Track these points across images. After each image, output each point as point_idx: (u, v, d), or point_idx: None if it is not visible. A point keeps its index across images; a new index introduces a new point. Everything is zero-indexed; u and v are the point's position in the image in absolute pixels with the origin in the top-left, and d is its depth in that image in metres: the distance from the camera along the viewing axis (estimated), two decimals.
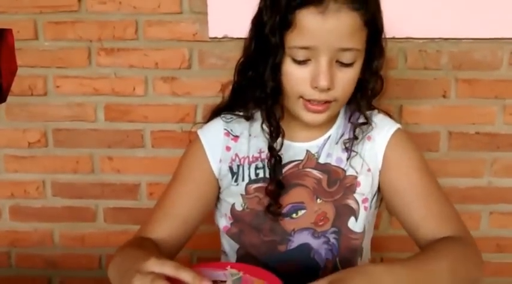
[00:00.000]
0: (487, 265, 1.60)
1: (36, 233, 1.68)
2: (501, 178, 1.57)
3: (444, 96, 1.50)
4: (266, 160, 1.04)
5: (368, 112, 1.07)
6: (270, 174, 1.02)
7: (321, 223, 1.01)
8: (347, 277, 0.74)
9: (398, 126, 1.07)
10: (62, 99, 1.56)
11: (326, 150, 1.05)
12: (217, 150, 1.06)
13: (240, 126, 1.08)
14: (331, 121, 1.05)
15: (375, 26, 0.94)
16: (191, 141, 1.12)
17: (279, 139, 1.02)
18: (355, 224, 1.02)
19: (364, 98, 1.04)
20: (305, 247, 1.02)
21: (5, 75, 0.69)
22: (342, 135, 1.06)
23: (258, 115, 1.07)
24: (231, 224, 1.06)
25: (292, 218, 1.02)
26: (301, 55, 0.92)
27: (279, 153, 1.02)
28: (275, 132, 1.01)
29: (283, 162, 1.03)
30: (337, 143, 1.05)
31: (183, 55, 1.50)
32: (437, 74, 1.49)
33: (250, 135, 1.07)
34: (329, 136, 1.05)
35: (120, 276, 0.81)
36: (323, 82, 0.90)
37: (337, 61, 0.91)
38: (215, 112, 1.13)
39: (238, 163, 1.06)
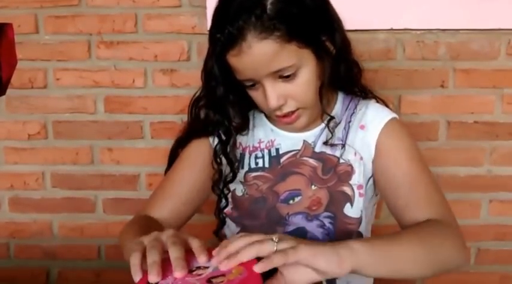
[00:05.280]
0: (487, 253, 1.79)
1: (35, 224, 1.84)
2: (500, 166, 1.73)
3: (442, 86, 1.67)
4: (265, 150, 1.22)
5: (365, 101, 1.23)
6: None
7: (314, 208, 1.17)
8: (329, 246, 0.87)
9: (393, 115, 1.20)
10: (62, 92, 1.73)
11: (322, 139, 1.20)
12: None
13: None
14: (318, 118, 1.20)
15: (305, 32, 1.06)
16: None
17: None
18: (350, 210, 1.16)
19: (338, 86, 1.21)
20: (301, 231, 1.17)
21: (4, 69, 0.74)
22: (339, 124, 1.21)
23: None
24: (232, 208, 1.23)
25: (288, 204, 1.18)
26: (248, 83, 1.10)
27: (277, 144, 1.21)
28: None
29: (282, 151, 1.21)
30: (329, 140, 1.19)
31: (182, 47, 1.68)
32: (435, 64, 1.66)
33: (253, 126, 1.26)
34: (325, 126, 1.21)
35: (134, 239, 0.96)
36: (271, 105, 1.08)
37: (280, 77, 1.07)
38: (190, 134, 1.27)
39: (241, 152, 1.25)
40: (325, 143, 1.18)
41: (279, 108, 1.10)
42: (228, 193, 1.22)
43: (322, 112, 1.18)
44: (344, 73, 1.17)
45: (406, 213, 1.11)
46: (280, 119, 1.14)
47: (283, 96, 1.09)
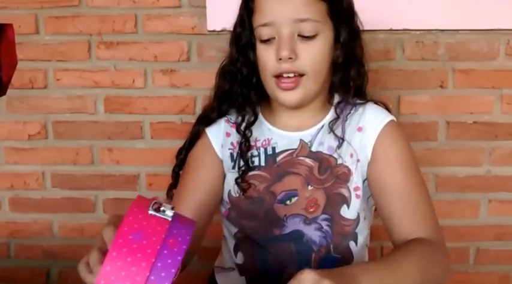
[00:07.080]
0: (487, 253, 1.80)
1: (35, 224, 1.85)
2: (500, 166, 1.73)
3: (442, 86, 1.67)
4: (261, 148, 1.23)
5: (362, 102, 1.23)
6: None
7: (311, 210, 1.17)
8: (330, 276, 0.83)
9: (391, 118, 1.20)
10: (62, 92, 1.74)
11: (319, 138, 1.21)
12: (219, 136, 1.25)
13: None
14: (322, 109, 1.22)
15: (336, 4, 1.13)
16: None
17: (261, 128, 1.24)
18: (347, 212, 1.16)
19: (344, 86, 1.21)
20: (298, 234, 1.18)
21: (5, 69, 0.76)
22: (335, 123, 1.21)
23: None
24: (229, 209, 1.24)
25: (286, 204, 1.18)
26: (265, 34, 1.12)
27: (274, 143, 1.22)
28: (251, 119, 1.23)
29: (278, 150, 1.22)
30: (329, 132, 1.20)
31: (182, 48, 1.68)
32: (434, 65, 1.66)
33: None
34: (322, 126, 1.22)
35: None
36: (283, 52, 1.09)
37: (299, 35, 1.10)
38: (202, 120, 1.29)
39: (238, 151, 1.24)
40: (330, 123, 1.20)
41: (286, 61, 1.10)
42: (250, 136, 1.23)
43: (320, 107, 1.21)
44: (353, 79, 1.20)
45: (397, 227, 1.11)
46: (280, 83, 1.13)
47: (295, 52, 1.10)
